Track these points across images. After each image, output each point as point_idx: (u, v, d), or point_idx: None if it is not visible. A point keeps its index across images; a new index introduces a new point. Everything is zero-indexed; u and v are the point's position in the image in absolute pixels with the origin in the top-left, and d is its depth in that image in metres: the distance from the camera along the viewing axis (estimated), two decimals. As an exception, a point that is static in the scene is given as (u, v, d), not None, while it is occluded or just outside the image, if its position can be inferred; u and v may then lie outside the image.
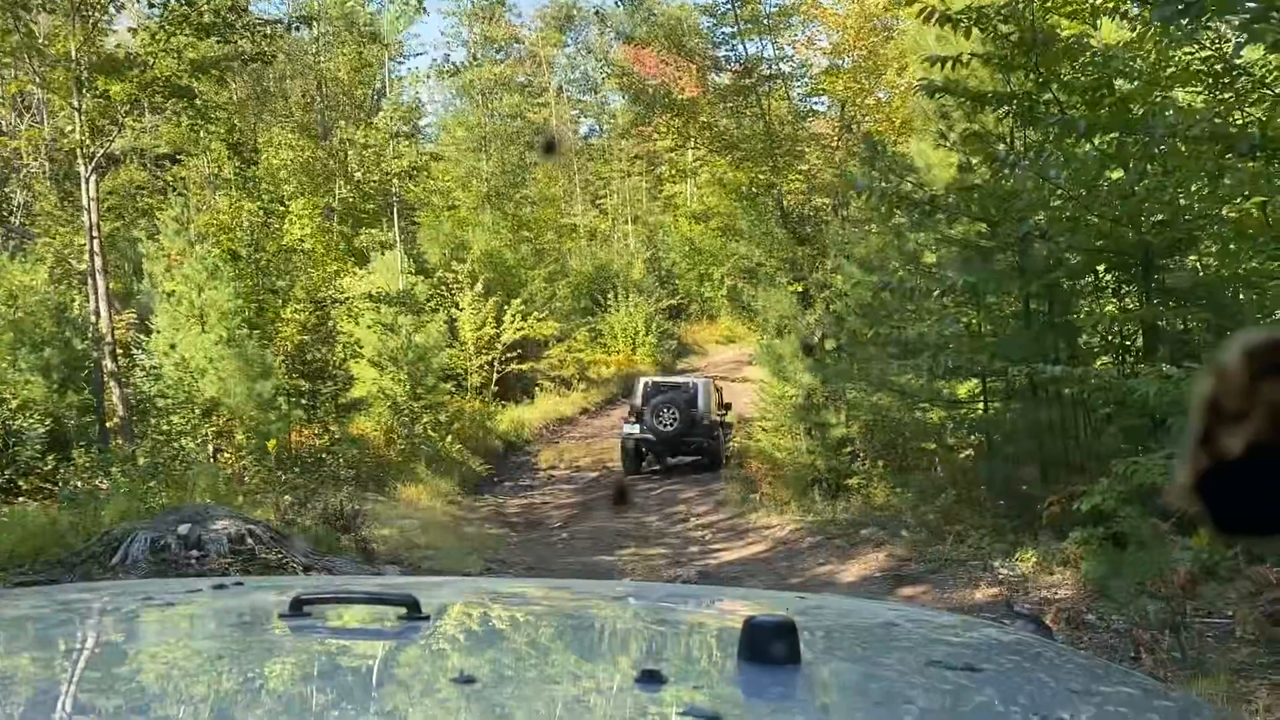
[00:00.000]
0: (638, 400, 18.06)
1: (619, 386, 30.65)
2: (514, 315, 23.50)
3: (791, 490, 12.90)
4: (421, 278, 21.49)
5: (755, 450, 14.42)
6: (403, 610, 1.34)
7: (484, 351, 23.46)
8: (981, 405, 10.98)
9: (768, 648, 1.14)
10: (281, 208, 16.86)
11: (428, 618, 1.35)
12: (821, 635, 1.45)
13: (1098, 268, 8.85)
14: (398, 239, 18.96)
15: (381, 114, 20.20)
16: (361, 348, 17.42)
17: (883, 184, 8.73)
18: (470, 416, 21.90)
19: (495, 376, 23.57)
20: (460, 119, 36.18)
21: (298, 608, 1.35)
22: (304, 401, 15.28)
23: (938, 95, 8.53)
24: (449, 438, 18.69)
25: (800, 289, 12.85)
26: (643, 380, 19.40)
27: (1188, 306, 8.33)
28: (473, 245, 28.24)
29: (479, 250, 28.18)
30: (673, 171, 46.98)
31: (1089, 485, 8.17)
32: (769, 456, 13.89)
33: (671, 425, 17.20)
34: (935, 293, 9.24)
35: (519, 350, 24.06)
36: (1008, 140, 9.08)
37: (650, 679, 1.09)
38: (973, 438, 11.50)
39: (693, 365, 34.06)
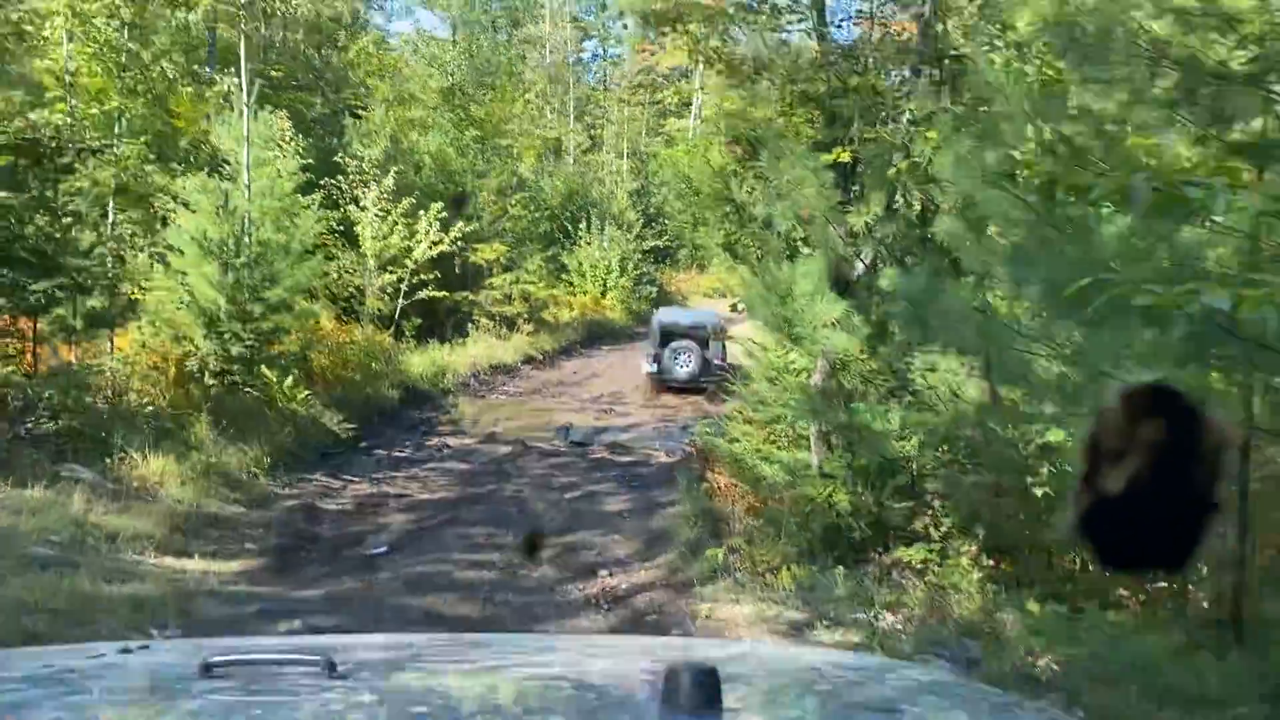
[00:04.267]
0: (655, 341, 18.38)
1: (580, 334, 24.39)
2: (431, 223, 17.00)
3: (787, 543, 6.68)
4: (301, 156, 14.98)
5: (726, 455, 8.16)
6: (317, 669, 1.29)
7: (389, 269, 17.04)
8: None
9: (689, 696, 1.10)
10: None
11: (344, 677, 1.29)
12: (743, 682, 1.40)
13: None
14: (244, 84, 12.53)
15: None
16: (142, 231, 11.06)
17: None
18: (360, 351, 15.60)
19: (400, 304, 17.15)
20: (425, -2, 29.46)
21: (207, 671, 1.29)
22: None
23: None
24: (289, 379, 12.37)
25: (844, 158, 6.41)
26: (657, 320, 18.84)
27: None
28: (422, 150, 21.80)
29: (429, 154, 21.74)
30: (676, 98, 40.30)
31: None
32: (749, 471, 7.63)
33: (686, 368, 17.94)
34: None
35: (438, 273, 17.61)
36: None
37: None
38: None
39: (673, 318, 27.76)
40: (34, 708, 1.25)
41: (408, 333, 18.92)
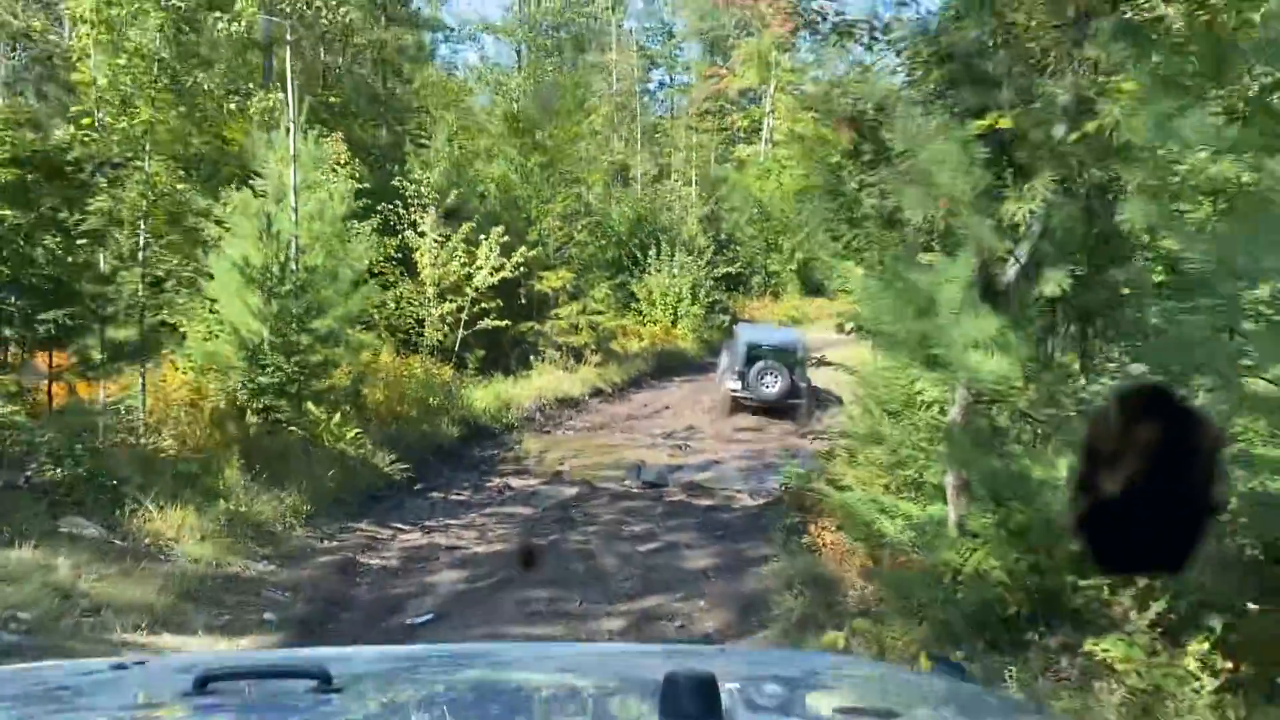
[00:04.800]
0: (739, 359, 17.37)
1: (650, 365, 23.10)
2: (492, 248, 15.87)
3: (922, 629, 5.23)
4: (354, 181, 13.99)
5: (835, 505, 6.72)
6: (313, 683, 1.24)
7: (448, 298, 15.95)
8: None
9: (688, 703, 1.08)
10: None
11: (340, 690, 1.25)
12: (742, 688, 1.37)
13: None
14: (290, 98, 11.53)
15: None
16: (182, 256, 10.07)
17: None
18: (418, 385, 14.50)
19: (461, 334, 16.02)
20: (486, 24, 28.70)
21: (201, 686, 1.24)
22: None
23: None
24: (336, 416, 11.26)
25: (1003, 124, 4.84)
26: (743, 339, 17.76)
27: None
28: (486, 178, 20.89)
29: (494, 179, 20.82)
30: (745, 122, 39.10)
31: None
32: (863, 525, 6.18)
33: (773, 388, 17.15)
34: None
35: (500, 302, 16.47)
36: None
37: None
38: None
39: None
40: None
41: (471, 365, 17.92)
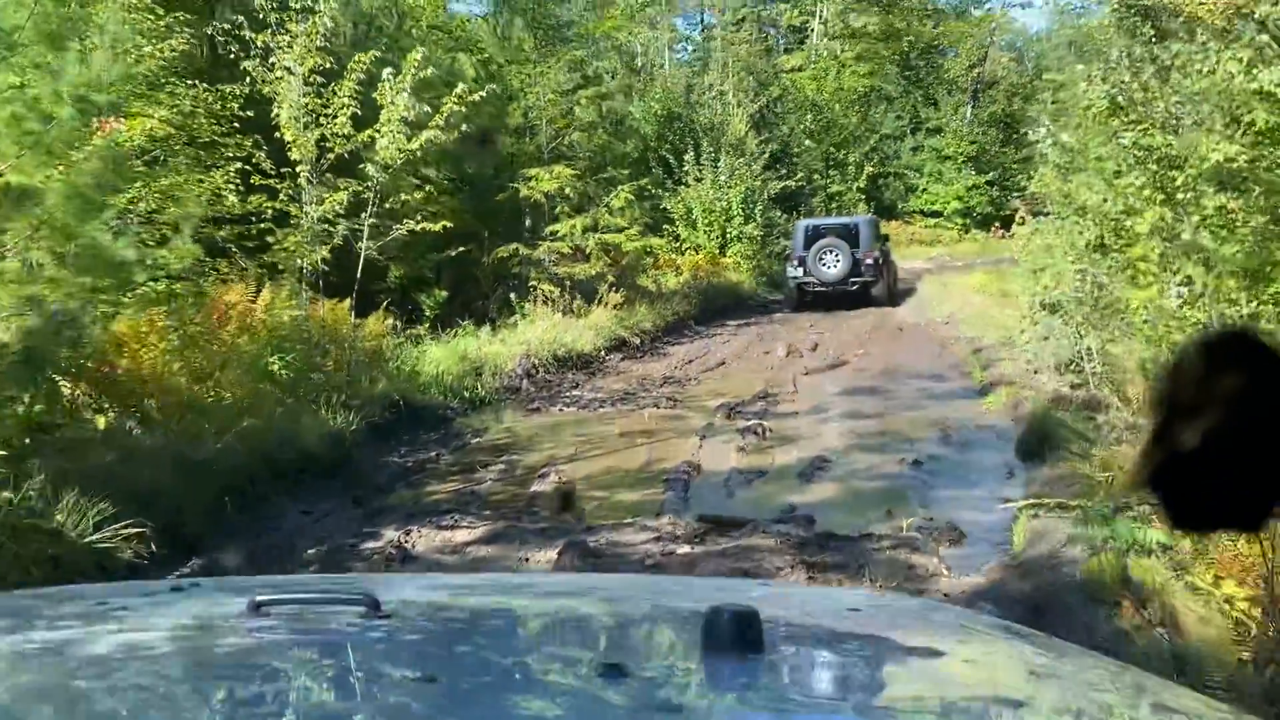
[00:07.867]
0: (799, 245, 15.77)
1: (693, 305, 15.84)
2: (401, 85, 8.29)
3: None
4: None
5: None
6: (362, 609, 1.21)
7: (339, 183, 8.63)
8: None
9: (731, 637, 1.04)
10: None
11: (389, 616, 1.21)
12: (785, 624, 1.30)
13: None
14: None
15: None
16: None
17: None
18: (252, 340, 7.34)
19: (364, 250, 8.65)
20: None
21: (255, 609, 1.22)
22: None
23: None
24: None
25: None
26: (801, 224, 16.20)
27: None
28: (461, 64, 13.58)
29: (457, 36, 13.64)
30: (794, 19, 31.20)
31: None
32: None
33: (834, 268, 15.46)
34: None
35: (430, 187, 9.10)
36: None
37: (613, 672, 1.00)
38: None
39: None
40: (89, 644, 1.21)
41: (427, 310, 11.03)
